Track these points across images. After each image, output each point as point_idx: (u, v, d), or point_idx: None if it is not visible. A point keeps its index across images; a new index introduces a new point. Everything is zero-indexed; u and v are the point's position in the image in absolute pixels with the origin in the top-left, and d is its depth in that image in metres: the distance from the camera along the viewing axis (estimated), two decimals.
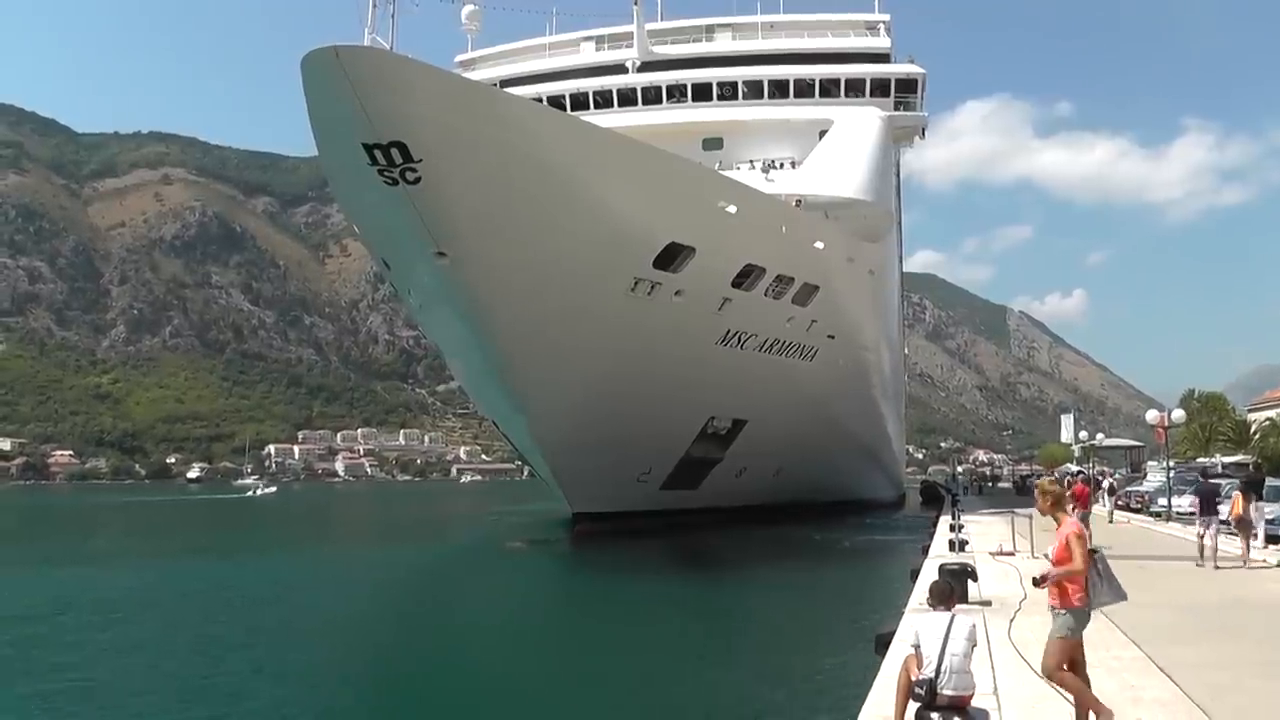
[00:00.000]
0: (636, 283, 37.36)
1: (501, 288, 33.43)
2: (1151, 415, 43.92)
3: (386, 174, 29.15)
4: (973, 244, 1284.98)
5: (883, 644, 12.49)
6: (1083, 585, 7.98)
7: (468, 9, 62.74)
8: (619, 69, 56.18)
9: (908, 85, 56.38)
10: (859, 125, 52.01)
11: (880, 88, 55.42)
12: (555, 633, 23.21)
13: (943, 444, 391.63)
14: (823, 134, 52.18)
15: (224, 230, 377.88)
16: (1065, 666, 7.97)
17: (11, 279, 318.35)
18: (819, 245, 45.15)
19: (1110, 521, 35.47)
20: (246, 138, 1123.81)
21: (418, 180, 29.34)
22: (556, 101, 55.53)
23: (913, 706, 7.88)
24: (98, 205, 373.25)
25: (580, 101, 55.98)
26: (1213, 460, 65.38)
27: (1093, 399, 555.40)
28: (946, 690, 7.74)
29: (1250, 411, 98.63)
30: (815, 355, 49.35)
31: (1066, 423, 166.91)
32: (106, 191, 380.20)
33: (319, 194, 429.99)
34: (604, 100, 55.98)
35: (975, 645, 8.11)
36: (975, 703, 8.04)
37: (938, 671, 7.75)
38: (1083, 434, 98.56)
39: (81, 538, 58.35)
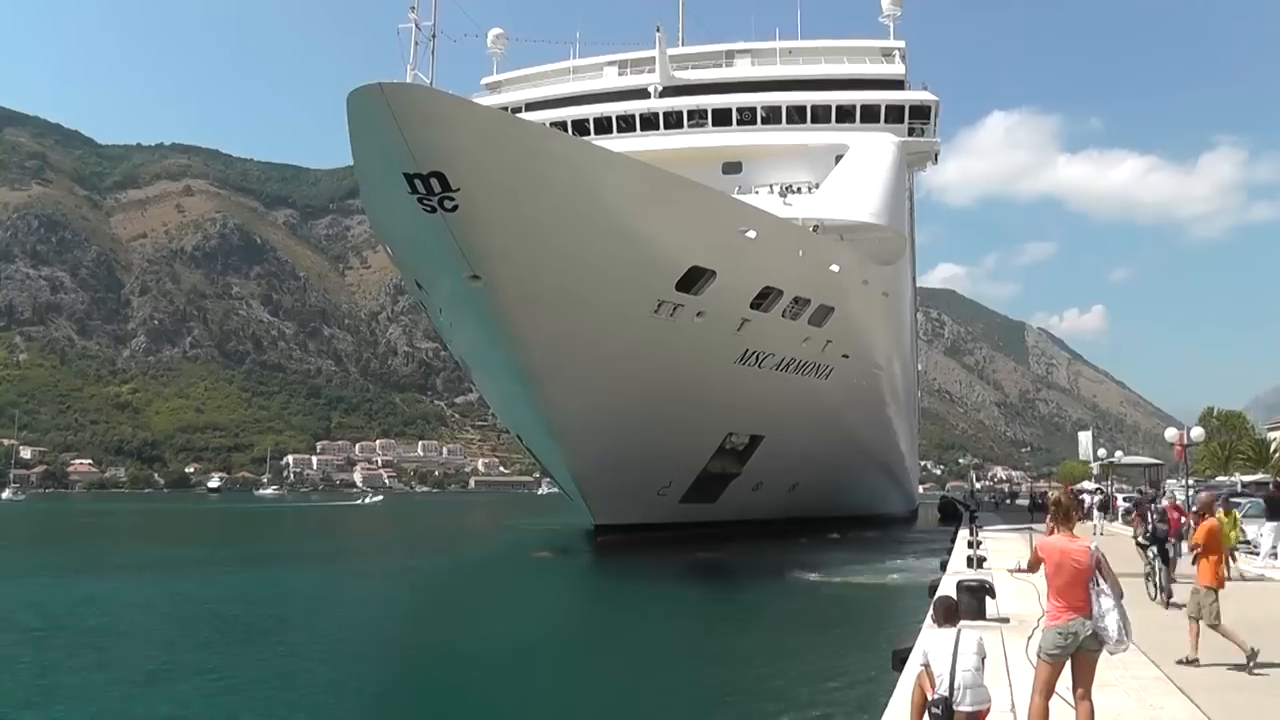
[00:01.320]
0: (660, 305, 39.12)
1: (532, 310, 35.27)
2: (1170, 433, 44.12)
3: (425, 202, 31.05)
4: (994, 259, 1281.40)
5: (900, 660, 12.62)
6: (1059, 605, 8.00)
7: (494, 33, 64.94)
8: (642, 94, 57.54)
9: (921, 112, 57.93)
10: (874, 151, 53.53)
11: (895, 114, 56.90)
12: (575, 643, 24.45)
13: (961, 460, 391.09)
14: (839, 159, 53.60)
15: (245, 242, 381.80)
16: (1046, 693, 7.99)
17: (33, 289, 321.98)
18: (835, 268, 46.76)
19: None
20: (268, 150, 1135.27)
21: (455, 208, 31.23)
22: (581, 125, 57.52)
23: None
24: (119, 216, 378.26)
25: (604, 125, 57.82)
26: (1232, 479, 65.10)
27: (1111, 416, 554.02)
28: (963, 706, 7.69)
29: (1270, 430, 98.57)
30: (830, 374, 50.92)
31: (1084, 440, 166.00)
32: (128, 203, 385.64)
33: (339, 206, 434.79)
34: (627, 124, 57.72)
35: (985, 657, 8.04)
36: (993, 718, 8.03)
37: (951, 688, 7.70)
38: (1101, 451, 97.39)
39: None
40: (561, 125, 57.59)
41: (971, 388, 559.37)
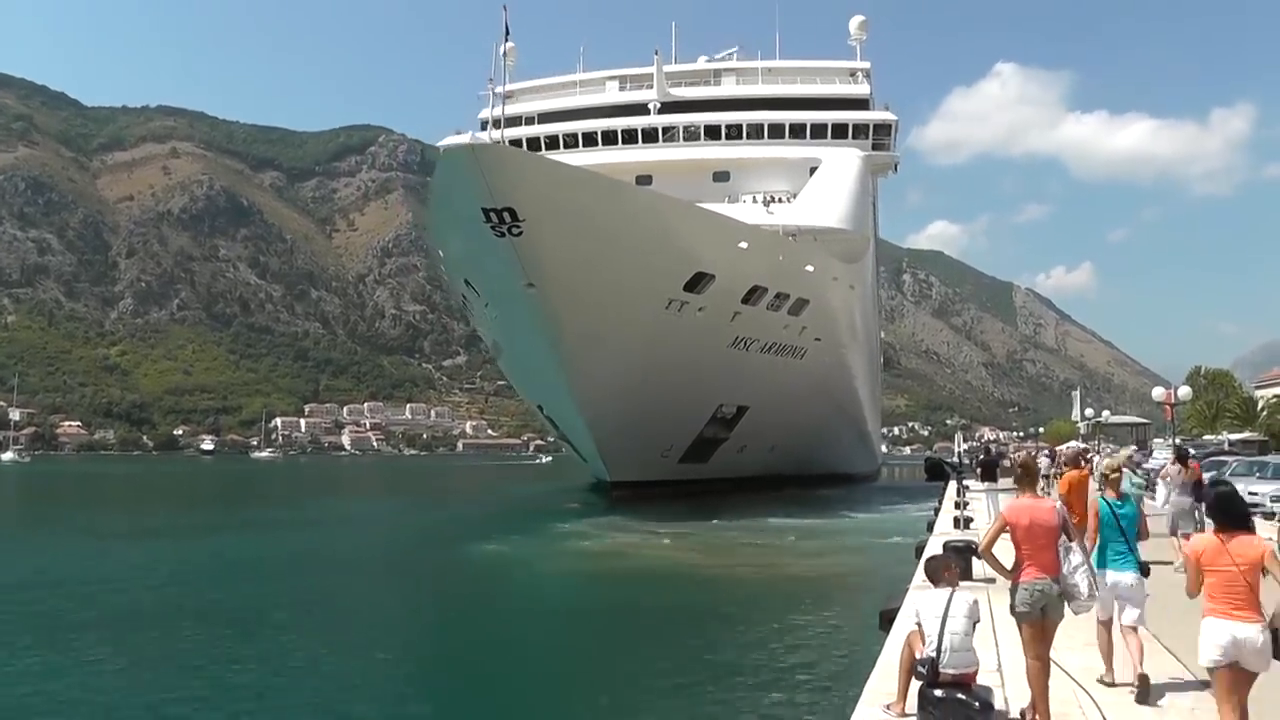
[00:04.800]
0: (670, 302, 49.06)
1: (573, 309, 45.56)
2: (1158, 392, 45.83)
3: (497, 229, 41.39)
4: (988, 218, 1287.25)
5: (888, 620, 12.80)
6: (1027, 566, 8.11)
7: (505, 45, 75.32)
8: (641, 109, 67.54)
9: (883, 129, 68.38)
10: (842, 164, 63.79)
11: (860, 131, 67.20)
12: (584, 598, 26.73)
13: (948, 421, 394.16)
14: (813, 170, 63.87)
15: (231, 204, 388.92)
16: (1036, 652, 8.07)
17: (21, 251, 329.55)
18: (809, 268, 56.68)
19: None
20: (254, 112, 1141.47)
21: (520, 234, 41.60)
22: (590, 138, 68.10)
23: (916, 684, 8.10)
24: (106, 178, 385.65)
25: (610, 138, 68.16)
26: (1219, 437, 67.40)
27: (1099, 376, 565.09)
28: (949, 668, 7.85)
29: (1257, 388, 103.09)
30: (805, 354, 61.09)
31: (1078, 399, 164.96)
32: (115, 164, 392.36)
33: (326, 169, 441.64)
34: (629, 137, 68.06)
35: (978, 622, 8.22)
36: (980, 680, 8.15)
37: (939, 650, 7.86)
38: (1089, 411, 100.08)
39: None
40: (573, 136, 68.41)
41: (959, 348, 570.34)
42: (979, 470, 36.14)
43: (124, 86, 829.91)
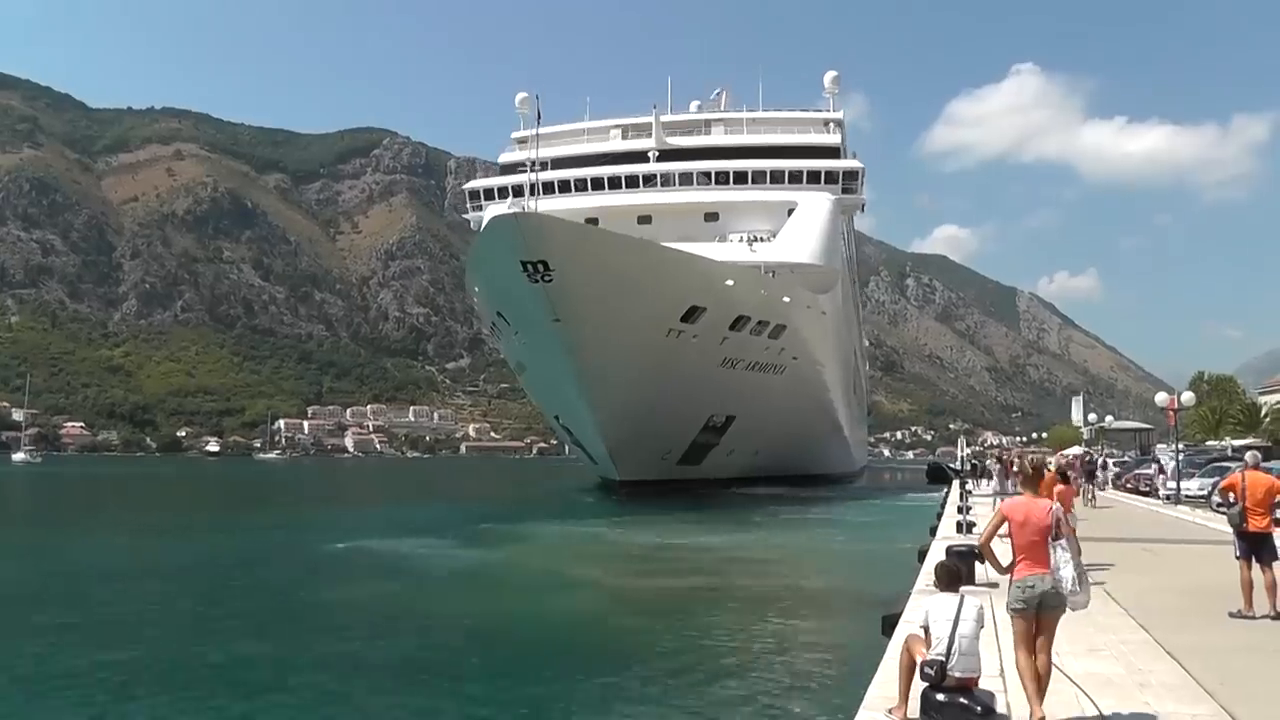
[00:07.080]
0: (669, 331, 59.93)
1: (591, 339, 56.40)
2: (1161, 398, 46.23)
3: (531, 277, 52.59)
4: (996, 223, 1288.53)
5: (890, 625, 13.10)
6: (1022, 561, 8.61)
7: (520, 96, 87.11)
8: (642, 157, 78.80)
9: (851, 176, 79.30)
10: (815, 207, 75.14)
11: (831, 177, 78.08)
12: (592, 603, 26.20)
13: (951, 425, 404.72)
14: (790, 212, 74.93)
15: (235, 206, 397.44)
16: (1025, 647, 8.38)
17: (25, 251, 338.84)
18: (786, 299, 67.85)
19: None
20: (259, 114, 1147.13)
21: (550, 280, 52.72)
22: (597, 183, 79.31)
23: (918, 687, 8.34)
24: (110, 180, 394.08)
25: (615, 183, 79.38)
26: (1222, 443, 69.61)
27: (1102, 381, 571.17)
28: (955, 672, 8.09)
29: (1261, 394, 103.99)
30: (784, 371, 72.16)
31: (1077, 404, 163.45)
32: (119, 166, 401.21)
33: (330, 171, 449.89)
34: (632, 182, 79.22)
35: (983, 627, 8.54)
36: (981, 684, 8.37)
37: (948, 653, 8.11)
38: (1091, 416, 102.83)
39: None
40: (582, 181, 79.63)
41: (962, 353, 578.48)
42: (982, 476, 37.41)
43: (129, 88, 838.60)
